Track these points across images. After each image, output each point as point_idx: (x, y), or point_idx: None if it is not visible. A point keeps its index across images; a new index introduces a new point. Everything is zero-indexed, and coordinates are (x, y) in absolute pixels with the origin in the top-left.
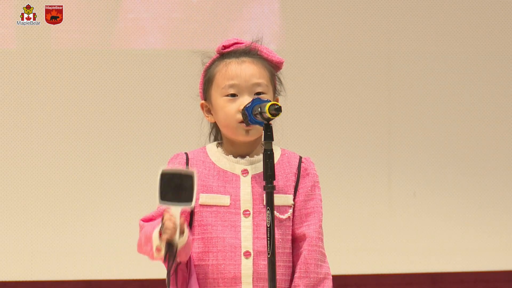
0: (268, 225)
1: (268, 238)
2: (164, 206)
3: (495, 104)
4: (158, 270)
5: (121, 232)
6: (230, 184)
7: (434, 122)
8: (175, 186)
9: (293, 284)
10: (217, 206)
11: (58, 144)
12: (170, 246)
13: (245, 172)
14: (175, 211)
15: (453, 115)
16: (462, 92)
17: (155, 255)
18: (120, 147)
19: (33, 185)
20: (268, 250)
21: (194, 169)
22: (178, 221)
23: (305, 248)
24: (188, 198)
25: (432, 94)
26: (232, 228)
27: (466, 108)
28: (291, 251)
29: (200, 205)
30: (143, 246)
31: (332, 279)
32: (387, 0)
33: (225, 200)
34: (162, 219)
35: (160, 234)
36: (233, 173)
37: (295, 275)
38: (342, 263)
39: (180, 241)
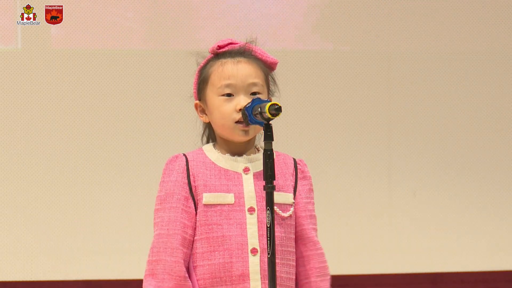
0: (268, 225)
1: (268, 238)
2: None
3: (495, 104)
4: None
5: (122, 232)
6: (232, 182)
7: (434, 122)
8: None
9: (315, 285)
10: (221, 204)
11: (58, 144)
12: None
13: (246, 170)
14: None
15: (453, 115)
16: (462, 92)
17: None
18: (121, 147)
19: (33, 185)
20: (268, 250)
21: None
22: None
23: (318, 253)
24: None
25: (432, 94)
26: (238, 226)
27: (466, 108)
28: (294, 250)
29: (204, 205)
30: None
31: (332, 279)
32: (387, 0)
33: (229, 198)
34: None
35: None
36: (234, 172)
37: (315, 277)
38: (342, 263)
39: None
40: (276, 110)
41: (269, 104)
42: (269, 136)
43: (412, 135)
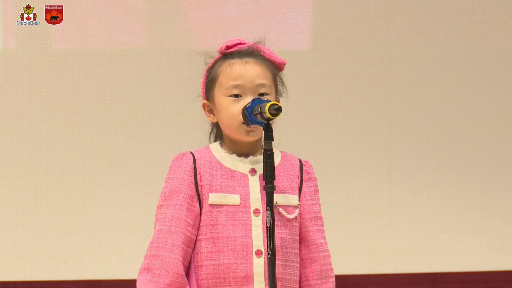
0: (268, 225)
1: (268, 238)
2: None
3: (495, 104)
4: None
5: (121, 232)
6: (238, 184)
7: (434, 122)
8: None
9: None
10: (227, 205)
11: (58, 144)
12: None
13: (253, 171)
14: None
15: (453, 115)
16: (462, 92)
17: None
18: (121, 147)
19: (33, 185)
20: (268, 250)
21: None
22: None
23: (321, 255)
24: None
25: (432, 94)
26: (243, 227)
27: (466, 108)
28: (299, 251)
29: (210, 205)
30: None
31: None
32: (388, 0)
33: (235, 199)
34: None
35: None
36: (241, 173)
37: (315, 280)
38: (342, 263)
39: None
40: (276, 110)
41: (269, 104)
42: (269, 136)
43: (412, 135)
